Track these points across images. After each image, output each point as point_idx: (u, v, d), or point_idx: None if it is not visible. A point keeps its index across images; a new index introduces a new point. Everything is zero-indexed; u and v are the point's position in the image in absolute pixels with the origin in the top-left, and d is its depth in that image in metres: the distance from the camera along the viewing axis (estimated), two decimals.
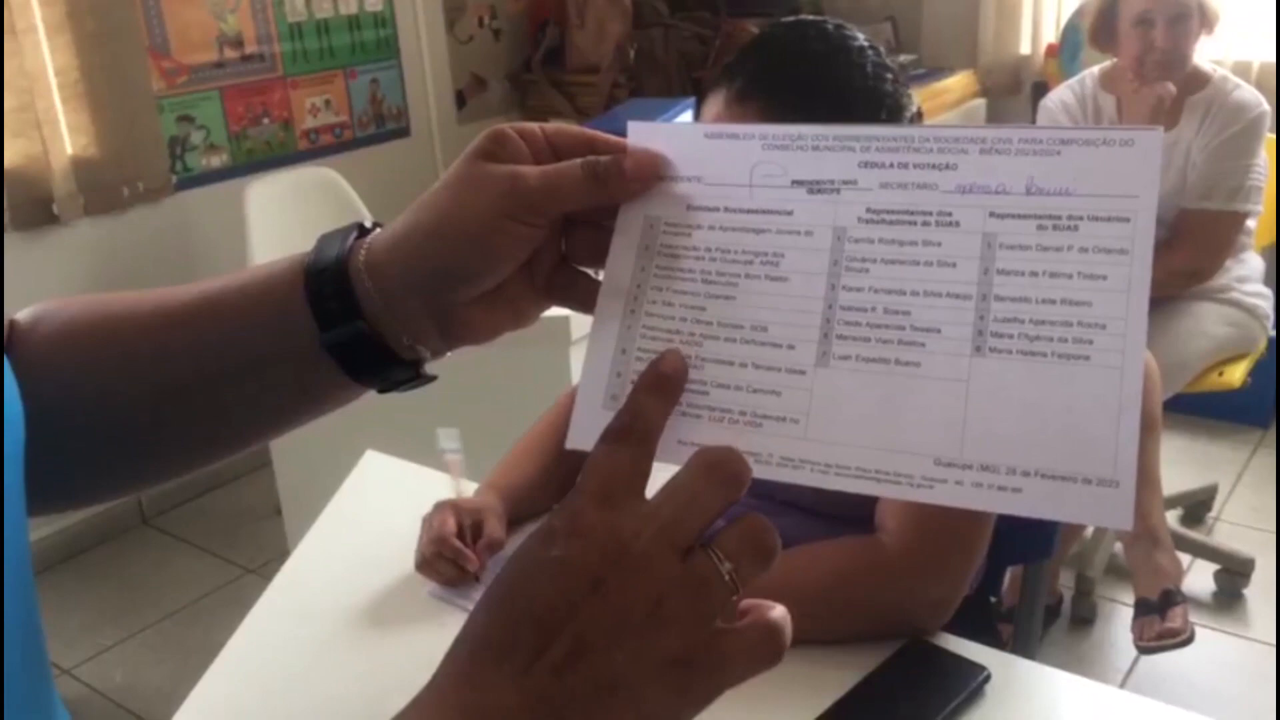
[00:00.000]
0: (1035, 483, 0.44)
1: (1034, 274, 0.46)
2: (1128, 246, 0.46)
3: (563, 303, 0.56)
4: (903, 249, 0.49)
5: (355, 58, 3.38)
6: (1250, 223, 2.36)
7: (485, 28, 3.77)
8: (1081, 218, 0.47)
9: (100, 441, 0.56)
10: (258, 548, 2.82)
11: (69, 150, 2.74)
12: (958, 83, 3.50)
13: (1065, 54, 3.24)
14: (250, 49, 3.12)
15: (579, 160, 0.52)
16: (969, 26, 3.60)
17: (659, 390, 0.46)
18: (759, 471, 0.47)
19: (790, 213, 0.51)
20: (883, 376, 0.47)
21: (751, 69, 1.03)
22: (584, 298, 0.54)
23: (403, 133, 3.56)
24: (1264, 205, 2.36)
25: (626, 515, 0.42)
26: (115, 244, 2.88)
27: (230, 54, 3.07)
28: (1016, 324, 0.46)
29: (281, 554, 2.66)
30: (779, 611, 0.44)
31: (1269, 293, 2.47)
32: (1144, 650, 2.15)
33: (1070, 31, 3.25)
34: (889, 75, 1.03)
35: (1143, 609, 2.20)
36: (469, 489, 1.26)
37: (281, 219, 2.75)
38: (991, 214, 0.48)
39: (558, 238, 0.55)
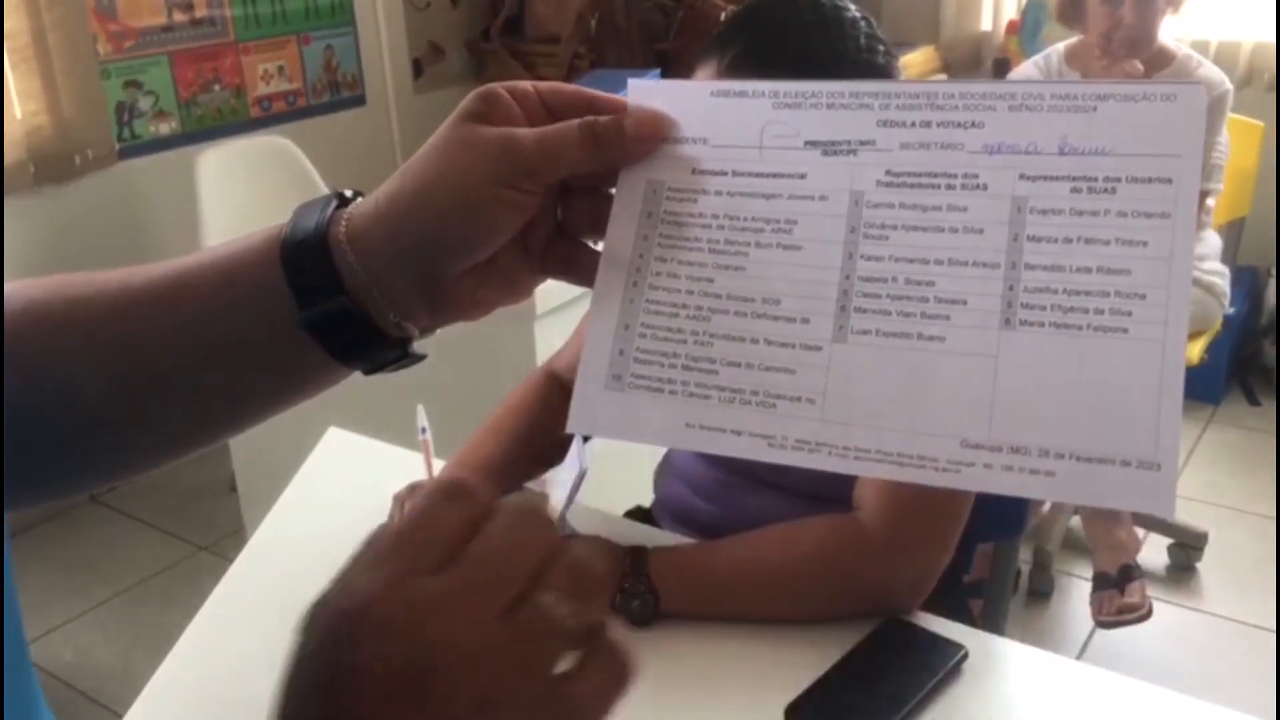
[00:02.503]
0: (1069, 465, 0.41)
1: (1068, 240, 0.43)
2: (1170, 210, 0.43)
3: (560, 275, 0.53)
4: (925, 214, 0.46)
5: (309, 23, 3.30)
6: (1210, 201, 2.39)
7: None
8: (1119, 179, 0.43)
9: (67, 434, 0.52)
10: (210, 525, 2.77)
11: (18, 115, 2.65)
12: (919, 58, 3.49)
13: (1026, 31, 3.25)
14: (200, 13, 3.03)
15: (576, 121, 0.48)
16: (931, 1, 3.60)
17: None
18: (773, 457, 0.44)
19: (804, 176, 0.48)
20: (904, 352, 0.44)
21: (744, 39, 1.01)
22: (582, 270, 0.51)
23: (358, 101, 3.49)
24: (1223, 183, 2.39)
25: (425, 583, 0.34)
26: (61, 214, 2.79)
27: (180, 17, 2.98)
28: (1049, 294, 0.43)
29: (236, 531, 2.62)
30: (609, 628, 0.37)
31: (1226, 270, 2.50)
32: (1103, 625, 2.18)
33: (1031, 8, 3.26)
34: (881, 48, 1.02)
35: (1101, 583, 2.22)
36: (437, 469, 1.24)
37: (234, 188, 2.68)
38: (1022, 176, 0.45)
39: (554, 205, 0.52)
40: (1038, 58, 2.53)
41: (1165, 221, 0.43)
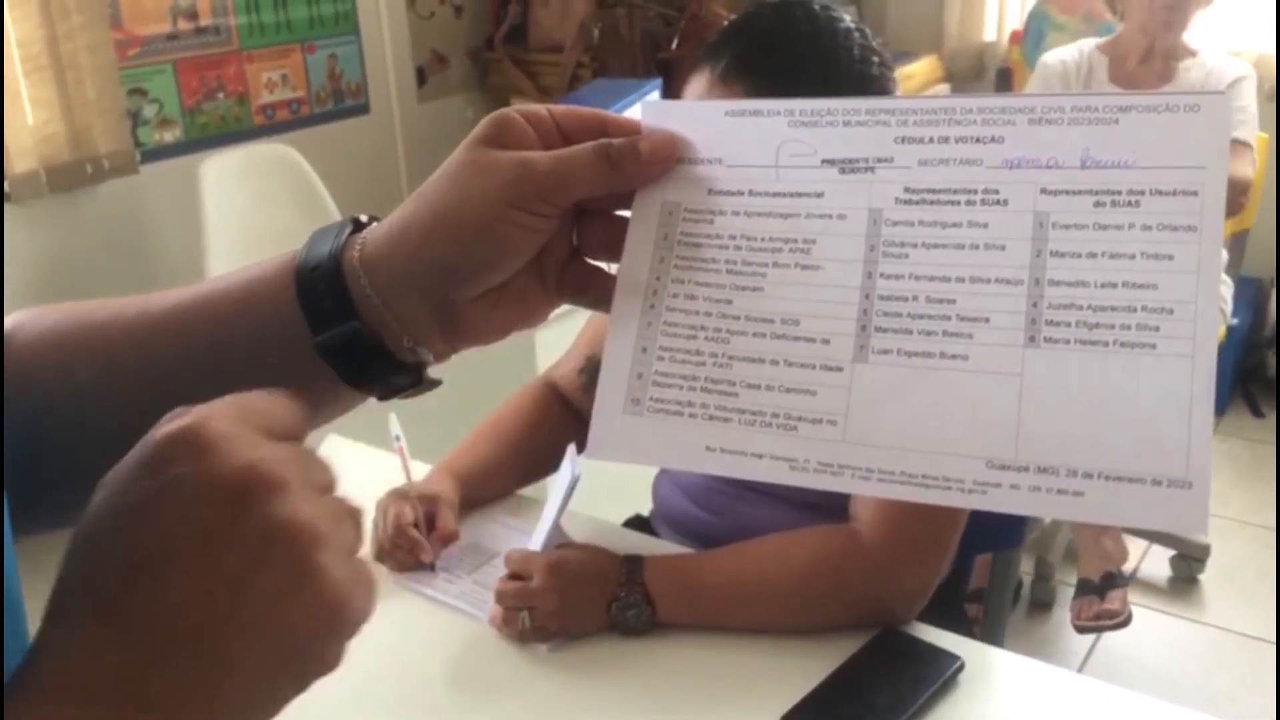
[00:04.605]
0: (1098, 485, 0.40)
1: (1092, 255, 0.43)
2: (1196, 223, 0.42)
3: (575, 299, 0.52)
4: (945, 231, 0.45)
5: (313, 32, 3.31)
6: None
7: (446, 4, 3.71)
8: (1143, 192, 0.43)
9: (79, 459, 0.51)
10: None
11: (29, 123, 2.65)
12: (922, 68, 3.49)
13: (1029, 41, 3.25)
14: (205, 21, 3.04)
15: (591, 144, 0.48)
16: (934, 11, 3.60)
17: None
18: (796, 479, 0.44)
19: (821, 195, 0.48)
20: (927, 372, 0.44)
21: (737, 49, 1.01)
22: (598, 294, 0.51)
23: (361, 109, 3.50)
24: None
25: (257, 436, 0.38)
26: (70, 223, 2.79)
27: (184, 25, 2.99)
28: (1074, 311, 0.42)
29: None
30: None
31: (1229, 281, 2.50)
32: (1080, 629, 2.20)
33: (1035, 18, 3.26)
34: (875, 58, 1.02)
35: (1083, 589, 2.23)
36: (419, 473, 1.24)
37: (237, 196, 2.69)
38: (1043, 190, 0.44)
39: (569, 229, 0.51)
40: (1072, 45, 2.58)
41: (1191, 235, 0.42)
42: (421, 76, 3.66)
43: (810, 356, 0.46)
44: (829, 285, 0.46)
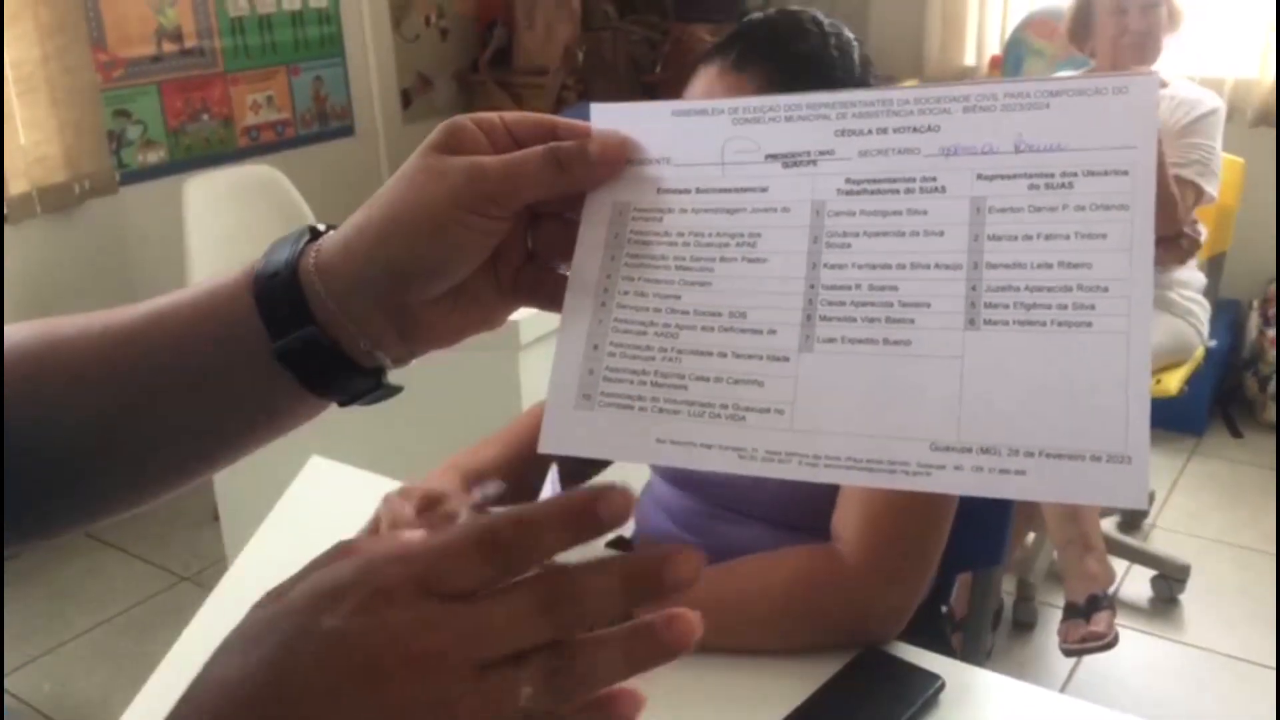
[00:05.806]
0: (1040, 463, 0.41)
1: (1028, 237, 0.43)
2: (1127, 201, 0.43)
3: (531, 302, 0.53)
4: (886, 220, 0.46)
5: (299, 54, 3.33)
6: (1201, 231, 2.41)
7: (432, 26, 3.73)
8: (1076, 174, 0.44)
9: (47, 470, 0.52)
10: (193, 555, 2.75)
11: (22, 142, 2.64)
12: None
13: (1008, 66, 3.29)
14: (190, 43, 3.05)
15: (540, 147, 0.49)
16: (915, 36, 3.64)
17: (573, 524, 0.36)
18: (744, 469, 0.44)
19: (765, 189, 0.48)
20: (871, 358, 0.44)
21: (749, 40, 1.05)
22: (553, 296, 0.51)
23: (346, 131, 3.51)
24: (1205, 225, 2.43)
25: (430, 603, 0.35)
26: (57, 243, 2.79)
27: (169, 48, 3.00)
28: (1011, 292, 0.43)
29: (218, 561, 2.61)
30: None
31: (1206, 303, 2.52)
32: (1067, 652, 2.20)
33: (1014, 44, 3.30)
34: (873, 69, 1.06)
35: (1070, 612, 2.24)
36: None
37: (221, 218, 2.68)
38: (979, 176, 0.45)
39: (523, 232, 0.52)
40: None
41: (1124, 213, 0.43)
42: (407, 99, 3.67)
43: (757, 348, 0.46)
44: (774, 277, 0.47)
